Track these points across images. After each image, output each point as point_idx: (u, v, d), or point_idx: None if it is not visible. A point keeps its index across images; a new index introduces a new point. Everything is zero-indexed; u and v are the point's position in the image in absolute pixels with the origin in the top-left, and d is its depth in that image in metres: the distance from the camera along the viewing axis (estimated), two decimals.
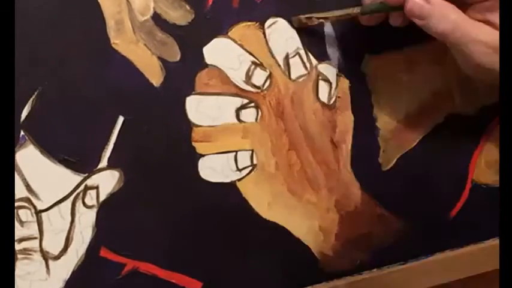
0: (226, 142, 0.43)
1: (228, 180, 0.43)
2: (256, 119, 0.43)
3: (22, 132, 0.39)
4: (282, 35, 0.43)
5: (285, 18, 0.43)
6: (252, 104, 0.43)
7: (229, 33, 0.42)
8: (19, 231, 0.40)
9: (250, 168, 0.43)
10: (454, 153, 0.47)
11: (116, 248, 0.41)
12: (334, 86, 0.44)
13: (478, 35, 0.38)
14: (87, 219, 0.41)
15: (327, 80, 0.44)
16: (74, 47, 0.39)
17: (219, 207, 0.43)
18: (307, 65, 0.44)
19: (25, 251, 0.40)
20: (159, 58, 0.41)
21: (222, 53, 0.42)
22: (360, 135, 0.45)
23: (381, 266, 0.47)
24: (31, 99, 0.39)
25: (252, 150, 0.43)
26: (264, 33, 0.43)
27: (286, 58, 0.43)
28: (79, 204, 0.40)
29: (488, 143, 0.48)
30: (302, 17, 0.42)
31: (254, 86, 0.43)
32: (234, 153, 0.43)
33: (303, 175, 0.44)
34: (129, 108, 0.40)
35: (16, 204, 0.39)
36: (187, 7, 0.41)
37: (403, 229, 0.47)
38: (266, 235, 0.44)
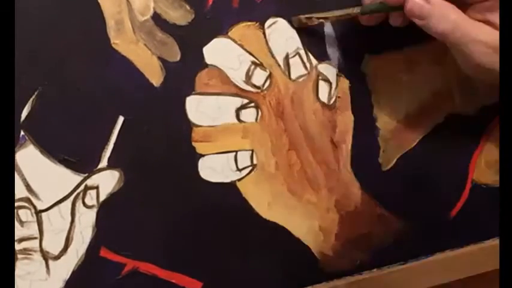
0: (226, 142, 0.43)
1: (228, 180, 0.43)
2: (256, 119, 0.43)
3: (22, 132, 0.39)
4: (282, 35, 0.43)
5: (285, 18, 0.43)
6: (252, 104, 0.43)
7: (229, 33, 0.42)
8: (19, 231, 0.40)
9: (250, 168, 0.43)
10: (454, 153, 0.47)
11: (116, 248, 0.41)
12: (334, 86, 0.44)
13: (478, 35, 0.38)
14: (87, 219, 0.41)
15: (327, 80, 0.44)
16: (74, 47, 0.39)
17: (219, 207, 0.43)
18: (307, 65, 0.44)
19: (25, 251, 0.40)
20: (159, 58, 0.41)
21: (222, 53, 0.42)
22: (360, 135, 0.45)
23: (381, 266, 0.47)
24: (31, 99, 0.39)
25: (252, 150, 0.43)
26: (264, 33, 0.43)
27: (286, 58, 0.43)
28: (79, 204, 0.40)
29: (488, 143, 0.48)
30: (302, 17, 0.42)
31: (254, 86, 0.43)
32: (234, 153, 0.43)
33: (303, 175, 0.44)
34: (129, 108, 0.40)
35: (16, 204, 0.39)
36: (187, 7, 0.41)
37: (403, 229, 0.47)
38: (266, 235, 0.44)
